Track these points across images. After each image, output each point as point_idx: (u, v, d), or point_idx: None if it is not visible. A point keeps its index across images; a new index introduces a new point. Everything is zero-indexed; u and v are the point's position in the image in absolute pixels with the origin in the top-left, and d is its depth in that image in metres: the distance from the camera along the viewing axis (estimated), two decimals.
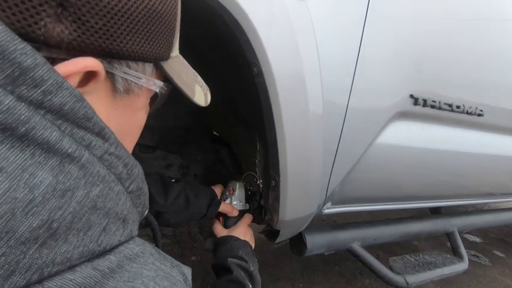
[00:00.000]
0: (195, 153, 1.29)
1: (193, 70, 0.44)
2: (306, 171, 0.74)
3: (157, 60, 0.34)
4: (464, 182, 1.28)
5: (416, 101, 0.94)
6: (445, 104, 1.01)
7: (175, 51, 0.38)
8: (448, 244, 2.67)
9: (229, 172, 1.25)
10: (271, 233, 0.89)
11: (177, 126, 1.21)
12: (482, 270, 2.39)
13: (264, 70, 0.59)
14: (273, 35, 0.58)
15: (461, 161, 1.17)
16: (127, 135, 0.37)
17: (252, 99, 0.68)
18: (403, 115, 0.95)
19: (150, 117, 1.13)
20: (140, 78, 0.33)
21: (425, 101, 0.96)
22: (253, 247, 0.86)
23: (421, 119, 1.01)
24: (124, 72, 0.31)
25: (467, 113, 1.08)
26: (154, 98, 0.38)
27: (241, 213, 0.90)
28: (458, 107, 1.04)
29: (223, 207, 0.86)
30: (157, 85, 0.36)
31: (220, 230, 0.86)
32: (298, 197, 0.77)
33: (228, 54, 0.68)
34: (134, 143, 0.40)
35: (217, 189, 0.91)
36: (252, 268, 0.74)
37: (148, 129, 1.15)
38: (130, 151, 0.39)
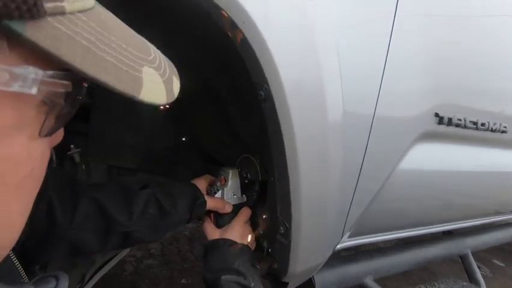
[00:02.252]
0: (184, 174, 1.13)
1: (141, 38, 0.25)
2: (323, 213, 0.60)
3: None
4: (485, 202, 1.17)
5: (440, 120, 0.82)
6: (470, 122, 0.89)
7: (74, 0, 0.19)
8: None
9: None
10: (277, 280, 0.74)
11: (164, 146, 1.05)
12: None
13: (274, 93, 0.44)
14: (286, 50, 0.43)
15: (483, 181, 1.06)
16: None
17: (256, 127, 0.53)
18: (426, 136, 0.83)
19: (130, 136, 0.92)
20: None
21: (450, 119, 0.84)
22: (252, 248, 0.69)
23: (444, 139, 0.89)
24: None
25: (492, 130, 0.97)
26: (52, 100, 0.20)
27: (238, 207, 0.71)
28: (483, 124, 0.93)
29: (212, 204, 0.67)
30: (25, 78, 0.17)
31: (210, 231, 0.69)
32: (313, 244, 0.63)
33: (228, 73, 0.53)
34: (28, 200, 0.23)
35: (204, 182, 0.72)
36: (252, 284, 0.58)
37: (128, 149, 1.00)
38: (22, 224, 0.23)
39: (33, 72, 0.17)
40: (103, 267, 1.00)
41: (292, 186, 0.54)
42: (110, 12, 0.24)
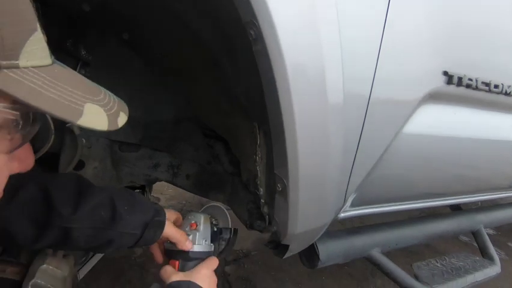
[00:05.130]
0: (185, 150, 1.12)
1: (95, 86, 0.35)
2: (322, 171, 0.57)
3: None
4: (497, 174, 1.12)
5: (450, 79, 0.77)
6: (482, 83, 0.84)
7: (27, 59, 0.28)
8: (461, 236, 2.54)
9: (225, 171, 1.08)
10: (278, 246, 0.72)
11: (164, 119, 1.04)
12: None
13: (265, 32, 0.41)
14: None
15: (495, 150, 1.01)
16: None
17: (249, 76, 0.51)
18: (434, 97, 0.78)
19: (131, 110, 0.92)
20: None
21: (460, 79, 0.79)
22: None
23: (453, 101, 0.85)
24: None
25: (505, 93, 0.91)
26: (5, 125, 0.28)
27: (203, 257, 0.65)
28: (496, 86, 0.87)
29: (172, 232, 0.60)
30: None
31: (172, 272, 0.61)
32: (312, 204, 0.61)
33: (215, 15, 0.51)
34: None
35: (172, 214, 0.67)
36: None
37: (128, 124, 0.98)
38: None
39: None
40: None
41: (288, 140, 0.52)
42: (70, 70, 0.33)
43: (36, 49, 0.28)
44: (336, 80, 0.51)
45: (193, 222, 0.66)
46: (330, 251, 0.87)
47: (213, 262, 0.65)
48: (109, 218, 0.54)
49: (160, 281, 0.61)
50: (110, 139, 1.00)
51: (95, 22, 0.85)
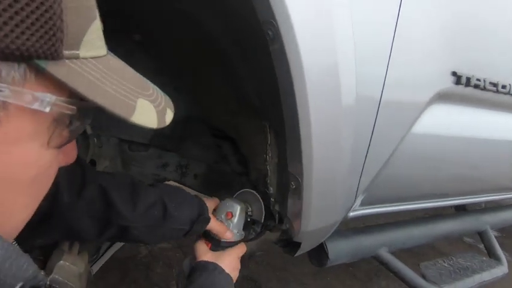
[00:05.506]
0: (193, 150, 1.13)
1: (144, 80, 0.32)
2: (335, 170, 0.58)
3: (28, 59, 0.22)
4: (504, 174, 1.13)
5: (458, 80, 0.78)
6: (490, 83, 0.85)
7: (87, 50, 0.26)
8: (465, 238, 2.53)
9: (234, 171, 1.09)
10: (289, 244, 0.73)
11: (173, 119, 1.04)
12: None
13: (283, 31, 0.42)
14: None
15: (502, 151, 1.02)
16: (4, 193, 0.25)
17: (262, 76, 0.52)
18: (442, 97, 0.79)
19: None
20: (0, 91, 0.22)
21: (468, 79, 0.80)
22: (233, 282, 0.67)
23: (461, 101, 0.85)
24: None
25: None
26: (60, 120, 0.27)
27: (233, 245, 0.69)
28: (504, 86, 0.88)
29: (215, 226, 0.65)
30: (42, 101, 0.24)
31: (203, 251, 0.67)
32: (326, 202, 0.61)
33: (228, 13, 0.52)
34: (34, 197, 0.29)
35: (212, 203, 0.71)
36: None
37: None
38: (26, 215, 0.29)
39: (48, 96, 0.24)
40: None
41: (304, 139, 0.53)
42: (121, 61, 0.31)
43: (95, 38, 0.27)
44: (349, 83, 0.52)
45: (229, 211, 0.68)
46: (338, 250, 0.88)
47: (241, 249, 0.70)
48: (161, 216, 0.58)
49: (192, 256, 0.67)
50: (120, 138, 1.01)
51: (107, 23, 0.87)
